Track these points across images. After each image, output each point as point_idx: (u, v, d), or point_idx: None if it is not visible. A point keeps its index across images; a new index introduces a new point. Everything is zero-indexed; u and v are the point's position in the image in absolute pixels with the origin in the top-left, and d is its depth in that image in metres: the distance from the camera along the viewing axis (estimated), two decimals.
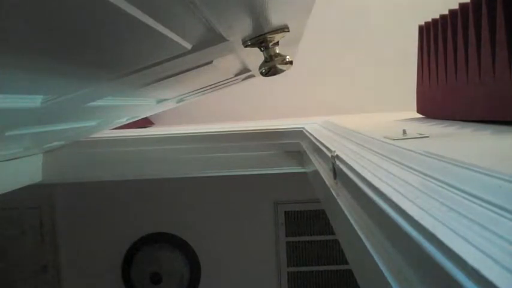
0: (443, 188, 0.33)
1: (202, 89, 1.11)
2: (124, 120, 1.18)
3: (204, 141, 1.30)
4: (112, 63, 0.53)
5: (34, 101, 0.55)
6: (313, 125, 1.21)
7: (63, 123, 0.83)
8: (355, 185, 0.46)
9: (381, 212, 0.35)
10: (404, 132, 0.61)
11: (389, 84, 1.84)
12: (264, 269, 1.90)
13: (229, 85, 1.20)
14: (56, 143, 1.17)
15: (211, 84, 1.08)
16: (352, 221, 0.46)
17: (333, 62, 1.89)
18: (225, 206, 1.91)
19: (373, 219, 0.39)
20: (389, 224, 0.32)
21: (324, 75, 1.90)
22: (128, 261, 1.93)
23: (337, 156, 0.61)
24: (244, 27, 0.59)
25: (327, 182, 0.68)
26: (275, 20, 0.59)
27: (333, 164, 0.63)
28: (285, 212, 1.89)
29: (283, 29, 0.64)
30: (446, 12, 0.90)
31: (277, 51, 0.66)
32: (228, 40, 0.59)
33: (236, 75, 1.05)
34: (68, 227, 1.92)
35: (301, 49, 1.05)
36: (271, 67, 0.66)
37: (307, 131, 1.11)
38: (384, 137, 0.61)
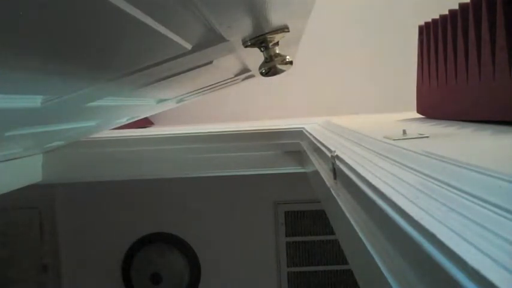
0: (443, 188, 0.33)
1: (203, 89, 1.11)
2: (124, 120, 1.18)
3: (204, 141, 1.30)
4: (112, 63, 0.53)
5: (34, 101, 0.55)
6: (313, 125, 1.21)
7: (63, 123, 0.83)
8: (355, 185, 0.46)
9: (381, 212, 0.35)
10: (404, 132, 0.61)
11: (390, 84, 1.84)
12: (264, 269, 1.90)
13: (229, 85, 1.20)
14: (56, 143, 1.17)
15: (212, 84, 1.08)
16: (352, 221, 0.46)
17: (333, 62, 1.89)
18: (225, 206, 1.91)
19: (373, 220, 0.39)
20: (389, 224, 0.32)
21: (324, 75, 1.90)
22: (128, 261, 1.93)
23: (337, 156, 0.61)
24: (244, 27, 0.59)
25: (327, 182, 0.68)
26: (275, 20, 0.59)
27: (333, 164, 0.63)
28: (285, 212, 1.89)
29: (283, 29, 0.64)
30: (446, 12, 0.90)
31: (277, 52, 0.66)
32: (228, 40, 0.59)
33: (236, 75, 1.05)
34: (68, 227, 1.92)
35: (301, 49, 1.05)
36: (271, 67, 0.66)
37: (307, 131, 1.11)
38: (384, 137, 0.61)
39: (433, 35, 0.97)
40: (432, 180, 0.36)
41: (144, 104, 0.99)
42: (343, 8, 1.87)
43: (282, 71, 0.67)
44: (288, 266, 1.89)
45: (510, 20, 0.65)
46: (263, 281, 1.90)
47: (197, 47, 0.57)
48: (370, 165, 0.49)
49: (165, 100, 1.04)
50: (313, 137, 0.97)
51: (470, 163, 0.35)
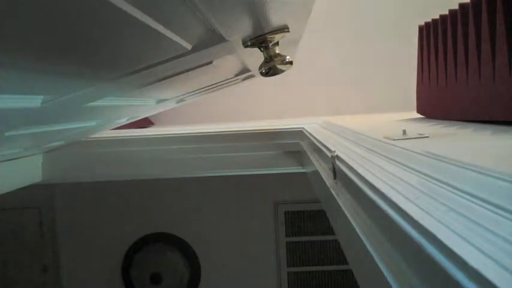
0: (443, 188, 0.33)
1: (202, 89, 1.11)
2: (124, 120, 1.18)
3: (204, 141, 1.30)
4: (112, 63, 0.53)
5: (34, 101, 0.55)
6: (313, 125, 1.21)
7: (63, 123, 0.83)
8: (355, 185, 0.46)
9: (381, 212, 0.35)
10: (404, 132, 0.61)
11: (389, 85, 1.84)
12: (264, 269, 1.90)
13: (229, 85, 1.20)
14: (56, 143, 1.17)
15: (211, 84, 1.08)
16: (352, 221, 0.46)
17: (333, 62, 1.89)
18: (225, 206, 1.91)
19: (373, 220, 0.39)
20: (389, 224, 0.32)
21: (324, 76, 1.90)
22: (128, 261, 1.93)
23: (337, 156, 0.61)
24: (244, 27, 0.59)
25: (327, 182, 0.68)
26: (275, 20, 0.59)
27: (333, 164, 0.63)
28: (285, 212, 1.89)
29: (283, 29, 0.64)
30: (446, 12, 0.90)
31: (277, 52, 0.66)
32: (228, 40, 0.59)
33: (236, 75, 1.05)
34: (68, 227, 1.92)
35: (301, 49, 1.05)
36: (271, 67, 0.66)
37: (307, 131, 1.11)
38: (384, 137, 0.61)
39: (433, 35, 0.97)
40: (432, 180, 0.36)
41: (144, 104, 0.99)
42: (343, 8, 1.87)
43: (282, 71, 0.67)
44: (288, 266, 1.89)
45: (510, 20, 0.65)
46: (263, 281, 1.90)
47: (197, 47, 0.57)
48: (370, 165, 0.49)
49: (165, 100, 1.04)
50: (313, 137, 0.97)
51: (470, 163, 0.35)
